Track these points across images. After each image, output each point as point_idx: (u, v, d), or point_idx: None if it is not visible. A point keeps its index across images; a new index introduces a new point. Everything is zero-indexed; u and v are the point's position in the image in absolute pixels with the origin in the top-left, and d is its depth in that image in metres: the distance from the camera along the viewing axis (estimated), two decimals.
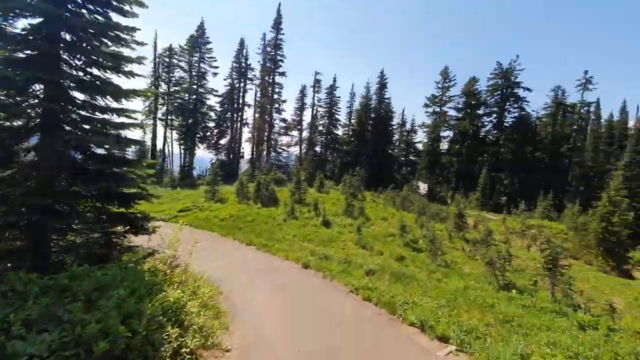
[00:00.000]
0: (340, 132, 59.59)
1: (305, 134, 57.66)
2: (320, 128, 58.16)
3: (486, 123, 58.73)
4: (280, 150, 56.89)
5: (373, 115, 58.03)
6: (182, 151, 51.62)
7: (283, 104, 55.32)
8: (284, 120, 56.29)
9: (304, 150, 56.53)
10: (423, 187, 54.56)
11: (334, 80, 56.34)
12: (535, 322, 8.08)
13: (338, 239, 17.32)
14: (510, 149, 54.93)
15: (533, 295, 10.30)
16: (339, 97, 57.08)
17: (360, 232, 17.12)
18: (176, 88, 52.17)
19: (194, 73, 52.12)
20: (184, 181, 42.60)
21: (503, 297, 10.23)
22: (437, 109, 58.15)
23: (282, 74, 54.43)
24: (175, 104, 51.96)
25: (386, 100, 58.89)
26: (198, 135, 52.44)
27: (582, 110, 58.38)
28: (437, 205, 32.42)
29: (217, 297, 8.89)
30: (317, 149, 58.24)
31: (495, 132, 57.75)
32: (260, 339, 6.63)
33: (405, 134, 64.10)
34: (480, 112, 58.05)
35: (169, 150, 53.14)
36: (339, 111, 57.92)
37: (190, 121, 51.15)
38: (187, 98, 51.85)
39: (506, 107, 56.80)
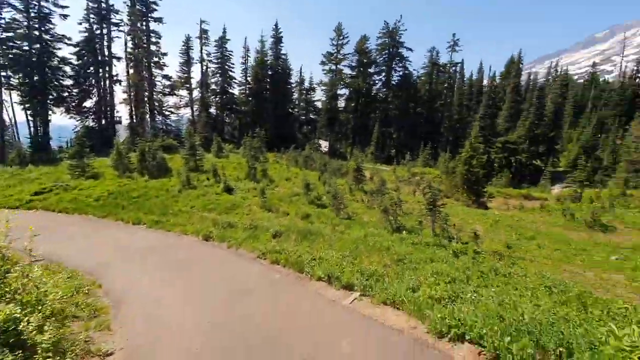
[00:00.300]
0: (236, 91, 55.68)
1: (196, 93, 51.89)
2: (214, 87, 53.13)
3: (377, 81, 63.20)
4: (167, 113, 50.17)
5: (270, 73, 55.70)
6: (29, 118, 40.42)
7: (164, 57, 47.76)
8: (167, 77, 49.09)
9: (197, 112, 51.22)
10: (324, 145, 56.83)
11: (224, 32, 50.94)
12: (422, 257, 9.32)
13: (242, 205, 16.60)
14: (397, 106, 60.99)
15: (419, 233, 11.89)
16: (232, 52, 52.31)
17: (264, 195, 16.72)
18: (8, 34, 39.06)
19: (32, 14, 39.64)
20: (37, 156, 33.95)
21: (396, 238, 11.51)
22: (333, 67, 59.35)
23: (159, 20, 46.32)
24: (10, 56, 39.31)
25: (283, 57, 56.93)
26: (51, 97, 41.55)
27: (451, 70, 67.92)
28: (338, 161, 34.25)
29: (95, 291, 7.45)
30: (212, 110, 53.53)
31: (384, 90, 62.86)
32: (157, 327, 5.81)
33: (305, 92, 64.16)
34: (372, 70, 61.81)
35: (9, 118, 40.92)
36: (232, 68, 53.47)
37: (35, 78, 39.82)
38: (26, 47, 39.68)
39: (393, 66, 61.83)
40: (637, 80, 58.85)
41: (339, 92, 60.27)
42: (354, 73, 59.98)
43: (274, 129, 49.18)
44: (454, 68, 68.55)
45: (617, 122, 53.53)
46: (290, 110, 59.21)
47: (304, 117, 64.59)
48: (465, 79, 71.16)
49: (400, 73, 62.15)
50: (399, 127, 59.58)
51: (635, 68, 58.19)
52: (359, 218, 15.54)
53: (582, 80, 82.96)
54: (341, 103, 61.88)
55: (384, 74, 62.05)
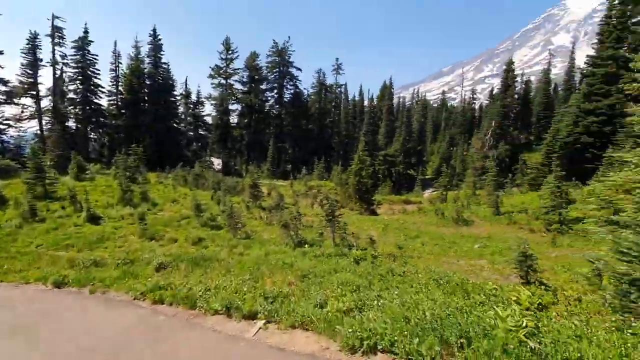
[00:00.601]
0: (105, 102, 47.79)
1: (46, 102, 42.25)
2: (73, 95, 44.38)
3: (269, 98, 64.01)
4: (2, 127, 39.16)
5: (149, 82, 50.03)
6: None
7: None
8: (3, 81, 38.60)
9: (48, 125, 41.66)
10: (217, 163, 53.74)
11: (86, 32, 43.50)
12: (326, 268, 9.19)
13: (114, 236, 13.74)
14: (290, 122, 62.81)
15: (321, 245, 11.88)
16: (96, 56, 44.94)
17: (144, 221, 14.25)
18: None
19: None
20: None
21: (299, 253, 11.20)
22: (223, 81, 57.42)
23: None
24: None
25: (164, 66, 52.02)
26: None
27: (337, 91, 74.22)
28: (232, 178, 32.57)
29: None
30: (71, 123, 44.47)
31: (277, 106, 64.08)
32: None
33: (192, 106, 59.89)
34: (264, 87, 62.36)
35: None
36: (98, 74, 45.86)
37: None
38: None
39: (284, 84, 63.83)
40: (473, 105, 75.90)
41: (230, 107, 58.45)
42: (246, 89, 59.33)
43: (155, 146, 43.87)
44: (339, 89, 75.22)
45: (463, 138, 67.44)
46: (175, 124, 54.12)
47: (192, 133, 60.00)
48: (349, 100, 78.88)
49: (292, 91, 64.56)
50: (293, 143, 61.28)
51: (471, 96, 75.07)
52: (259, 236, 14.73)
53: (436, 105, 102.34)
54: (234, 119, 60.07)
55: (275, 91, 63.34)
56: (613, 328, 4.09)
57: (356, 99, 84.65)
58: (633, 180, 7.08)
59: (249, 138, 57.72)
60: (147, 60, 49.80)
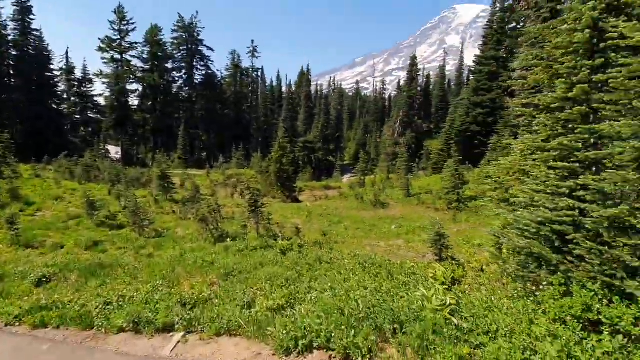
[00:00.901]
0: None
1: None
2: None
3: (177, 78, 58.08)
4: None
5: (15, 53, 40.27)
6: None
7: None
8: None
9: None
10: (115, 151, 46.87)
11: None
12: (252, 263, 8.69)
13: None
14: (203, 106, 58.24)
15: (244, 238, 11.25)
16: None
17: (15, 225, 11.43)
18: None
19: None
20: None
21: (220, 249, 10.39)
22: (117, 56, 49.65)
23: None
24: None
25: (35, 33, 42.39)
26: None
27: (254, 75, 71.47)
28: (136, 169, 28.74)
29: None
30: None
31: (187, 88, 58.62)
32: None
33: (77, 83, 50.52)
34: (169, 66, 56.18)
35: None
36: None
37: None
38: None
39: (194, 64, 58.49)
40: (384, 95, 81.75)
41: (129, 87, 51.15)
42: (147, 66, 52.51)
43: (27, 131, 35.88)
44: (256, 73, 72.57)
45: (376, 126, 72.41)
46: (55, 106, 45.06)
47: (78, 116, 50.87)
48: (267, 85, 76.96)
49: (203, 72, 59.69)
50: (208, 129, 57.19)
51: (382, 87, 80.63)
52: (172, 233, 13.26)
53: (351, 94, 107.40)
54: (134, 101, 52.86)
55: (184, 71, 57.74)
56: (516, 296, 4.69)
57: (274, 84, 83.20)
58: (518, 164, 8.32)
59: (154, 123, 51.59)
60: (11, 25, 39.82)
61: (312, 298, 5.81)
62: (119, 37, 49.17)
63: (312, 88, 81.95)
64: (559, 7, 18.91)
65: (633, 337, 3.19)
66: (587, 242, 3.78)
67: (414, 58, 55.26)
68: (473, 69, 31.75)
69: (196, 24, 57.17)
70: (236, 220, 15.20)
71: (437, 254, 7.27)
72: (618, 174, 3.54)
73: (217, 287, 7.39)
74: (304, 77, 76.89)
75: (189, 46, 57.26)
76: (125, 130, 48.78)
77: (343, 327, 4.33)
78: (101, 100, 51.83)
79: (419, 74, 57.69)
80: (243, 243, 10.81)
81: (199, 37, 57.96)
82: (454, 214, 15.66)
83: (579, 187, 4.14)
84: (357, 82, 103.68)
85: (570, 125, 4.84)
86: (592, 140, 4.26)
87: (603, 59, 4.23)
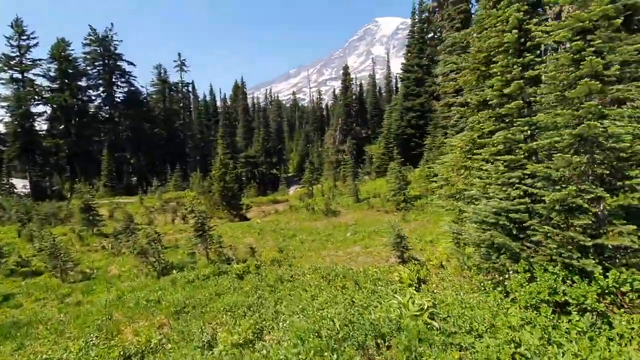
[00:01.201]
0: None
1: None
2: None
3: (94, 97, 52.57)
4: None
5: None
6: None
7: None
8: None
9: None
10: (23, 185, 40.45)
11: None
12: (206, 294, 7.89)
13: None
14: (127, 126, 53.43)
15: (194, 267, 10.26)
16: None
17: None
18: None
19: None
20: None
21: (166, 284, 9.30)
22: (18, 75, 43.30)
23: None
24: None
25: None
26: None
27: (183, 89, 67.88)
28: (51, 203, 24.97)
29: None
30: None
31: (107, 107, 53.35)
32: None
33: None
34: (83, 83, 50.64)
35: None
36: None
37: None
38: None
39: (113, 80, 53.56)
40: (321, 104, 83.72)
41: (34, 109, 44.77)
42: (56, 85, 46.63)
43: None
44: (186, 88, 69.05)
45: (316, 135, 73.61)
46: None
47: None
48: (200, 100, 73.81)
49: (125, 89, 54.92)
50: (136, 150, 52.52)
51: (318, 97, 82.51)
52: (104, 273, 11.58)
53: (289, 105, 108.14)
54: (42, 125, 46.33)
55: (102, 88, 52.49)
56: (483, 288, 4.84)
57: (207, 99, 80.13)
58: (460, 160, 8.86)
59: (69, 148, 45.63)
60: None
61: (282, 324, 5.36)
62: (18, 53, 42.95)
63: (249, 101, 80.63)
64: (479, 13, 21.20)
65: (599, 312, 3.42)
66: (543, 226, 4.03)
67: (346, 68, 57.57)
68: (401, 76, 34.05)
69: (112, 36, 52.61)
70: (181, 248, 13.93)
71: (400, 256, 7.34)
72: (563, 157, 3.84)
73: (167, 328, 6.52)
74: (239, 90, 75.30)
75: (106, 61, 52.40)
76: (33, 160, 42.38)
77: (324, 353, 3.99)
78: (0, 127, 44.48)
79: (352, 83, 60.27)
80: (193, 273, 9.83)
81: (117, 51, 53.38)
82: (403, 214, 16.29)
83: (526, 176, 4.44)
84: (294, 93, 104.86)
85: (507, 120, 5.24)
86: (529, 132, 4.61)
87: (531, 56, 4.64)
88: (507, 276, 4.55)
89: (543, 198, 4.07)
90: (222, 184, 28.00)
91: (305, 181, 31.58)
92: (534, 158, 4.61)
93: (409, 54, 32.57)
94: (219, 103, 79.79)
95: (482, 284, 4.96)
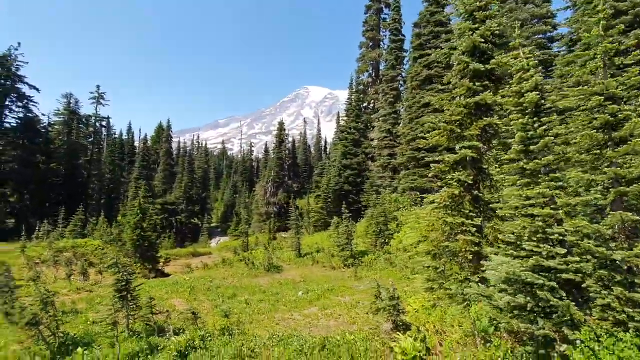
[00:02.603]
0: None
1: None
2: None
3: None
4: None
5: None
6: None
7: None
8: None
9: None
10: None
11: None
12: None
13: None
14: (15, 157, 44.03)
15: (112, 343, 7.54)
16: None
17: None
18: None
19: None
20: None
21: None
22: None
23: None
24: None
25: None
26: None
27: (97, 124, 60.43)
28: None
29: None
30: None
31: None
32: None
33: None
34: None
35: None
36: None
37: None
38: None
39: (7, 104, 44.94)
40: (252, 156, 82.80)
41: None
42: None
43: None
44: (100, 123, 61.76)
45: (244, 185, 71.22)
46: None
47: None
48: (115, 137, 66.51)
49: (20, 114, 46.29)
50: (21, 186, 42.85)
51: (249, 148, 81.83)
52: None
53: (216, 153, 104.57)
54: None
55: None
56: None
57: (124, 137, 72.72)
58: (443, 216, 8.79)
59: None
60: None
61: None
62: None
63: (173, 145, 75.53)
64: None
65: None
66: (617, 287, 3.72)
67: (281, 123, 59.00)
68: (340, 136, 36.02)
69: (16, 56, 45.40)
70: (83, 313, 10.57)
71: (393, 322, 6.40)
72: (623, 214, 3.73)
73: None
74: (163, 132, 70.55)
75: (2, 81, 44.29)
76: None
77: None
78: None
79: (287, 138, 61.71)
80: (109, 352, 7.15)
81: (18, 73, 45.84)
82: (355, 271, 15.54)
83: (568, 233, 4.25)
84: (223, 142, 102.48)
85: (535, 176, 5.21)
86: (557, 189, 4.56)
87: (551, 117, 4.80)
88: (559, 348, 4.03)
89: (596, 256, 3.85)
90: (139, 231, 23.90)
91: (241, 232, 29.03)
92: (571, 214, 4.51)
93: (348, 118, 35.01)
94: (137, 143, 73.06)
95: (521, 357, 4.32)
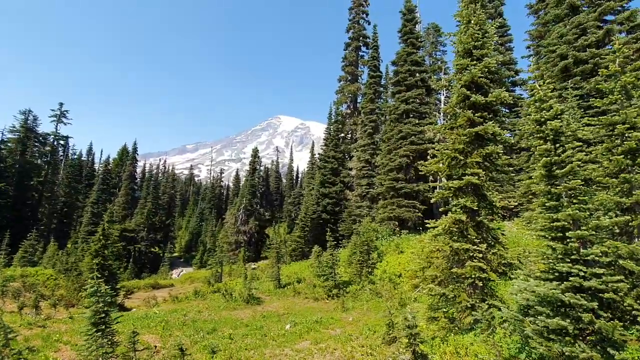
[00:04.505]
0: None
1: None
2: None
3: None
4: None
5: None
6: None
7: None
8: None
9: None
10: None
11: None
12: None
13: None
14: None
15: None
16: None
17: None
18: None
19: None
20: None
21: None
22: None
23: None
24: None
25: None
26: None
27: (55, 143, 56.50)
28: None
29: None
30: None
31: None
32: None
33: None
34: None
35: None
36: None
37: None
38: None
39: None
40: (221, 183, 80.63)
41: None
42: None
43: None
44: (59, 142, 57.82)
45: (212, 213, 68.53)
46: None
47: None
48: (74, 158, 62.33)
49: None
50: None
51: (219, 175, 79.83)
52: None
53: (183, 179, 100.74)
54: None
55: None
56: None
57: (83, 158, 68.24)
58: (438, 247, 8.83)
59: None
60: None
61: None
62: None
63: (138, 169, 71.92)
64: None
65: None
66: None
67: (256, 150, 58.50)
68: (319, 164, 36.31)
69: None
70: (42, 351, 9.13)
71: (413, 352, 6.07)
72: None
73: None
74: (127, 154, 67.40)
75: None
76: None
77: None
78: None
79: (261, 166, 61.09)
80: None
81: None
82: (342, 302, 14.99)
83: (604, 253, 4.37)
84: (191, 167, 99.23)
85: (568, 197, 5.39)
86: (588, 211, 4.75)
87: (574, 143, 5.10)
88: None
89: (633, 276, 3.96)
90: (99, 259, 21.78)
91: (212, 262, 27.35)
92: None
93: (327, 147, 35.56)
94: (97, 165, 69.01)
95: None
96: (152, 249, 56.54)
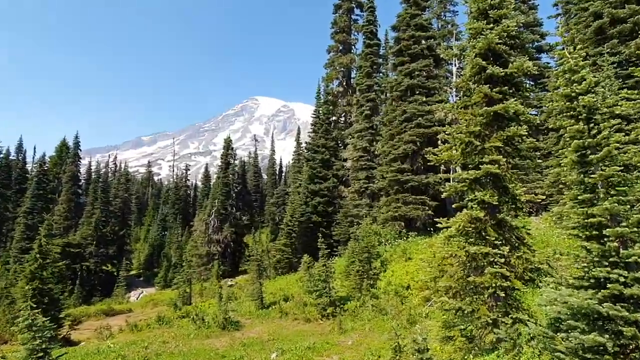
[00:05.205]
0: None
1: None
2: None
3: None
4: None
5: None
6: None
7: None
8: None
9: None
10: None
11: None
12: None
13: None
14: None
15: None
16: None
17: None
18: None
19: None
20: None
21: None
22: None
23: None
24: None
25: None
26: None
27: None
28: None
29: None
30: None
31: None
32: None
33: None
34: None
35: None
36: None
37: None
38: None
39: None
40: (187, 182, 79.87)
41: None
42: None
43: None
44: None
45: (178, 219, 67.96)
46: None
47: None
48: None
49: None
50: None
51: (185, 172, 78.96)
52: None
53: (140, 178, 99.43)
54: None
55: None
56: None
57: (12, 157, 66.62)
58: (452, 252, 8.94)
59: None
60: None
61: None
62: None
63: (83, 169, 70.73)
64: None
65: None
66: None
67: (229, 142, 57.95)
68: (307, 156, 36.28)
69: None
70: None
71: None
72: None
73: None
74: (67, 151, 66.25)
75: None
76: None
77: None
78: None
79: (235, 160, 60.67)
80: None
81: None
82: (339, 322, 15.08)
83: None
84: (149, 164, 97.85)
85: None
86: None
87: (610, 121, 5.16)
88: None
89: None
90: (36, 283, 21.53)
91: (179, 281, 27.22)
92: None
93: (315, 134, 35.52)
94: (30, 166, 67.53)
95: None
96: (104, 267, 55.91)
